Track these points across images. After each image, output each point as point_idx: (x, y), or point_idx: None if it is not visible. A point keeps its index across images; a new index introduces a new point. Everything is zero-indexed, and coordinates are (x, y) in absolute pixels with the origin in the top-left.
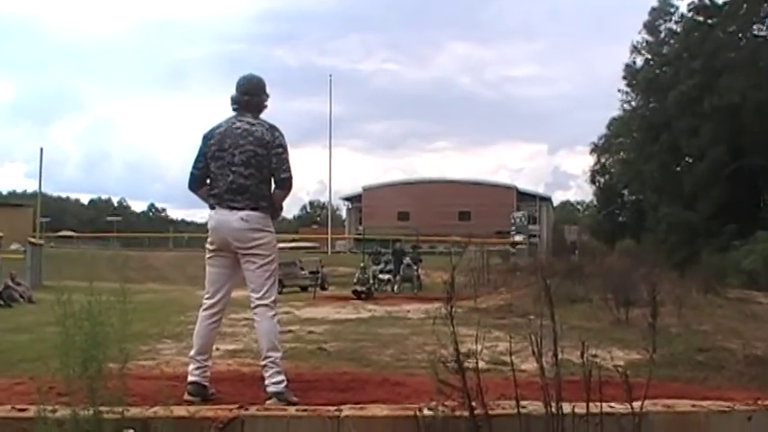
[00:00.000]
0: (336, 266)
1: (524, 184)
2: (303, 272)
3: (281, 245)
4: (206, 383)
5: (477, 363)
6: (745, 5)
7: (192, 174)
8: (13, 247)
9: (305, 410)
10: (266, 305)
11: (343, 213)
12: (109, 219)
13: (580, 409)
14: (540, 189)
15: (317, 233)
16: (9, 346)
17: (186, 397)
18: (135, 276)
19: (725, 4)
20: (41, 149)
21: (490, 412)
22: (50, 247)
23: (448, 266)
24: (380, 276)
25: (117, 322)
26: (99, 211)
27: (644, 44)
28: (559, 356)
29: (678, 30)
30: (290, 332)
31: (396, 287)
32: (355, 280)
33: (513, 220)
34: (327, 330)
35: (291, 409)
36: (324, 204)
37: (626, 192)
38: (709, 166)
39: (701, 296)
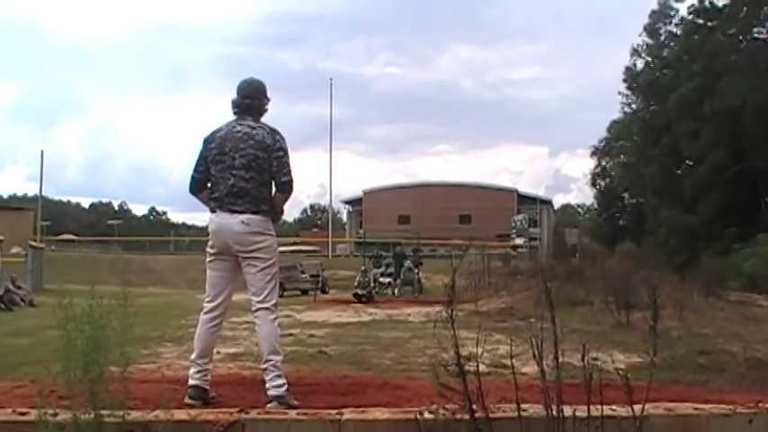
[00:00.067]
0: (337, 270)
1: (525, 187)
2: (304, 275)
3: (282, 248)
4: (207, 387)
5: (477, 366)
6: (745, 8)
7: (192, 177)
8: (14, 250)
9: (306, 414)
10: (267, 308)
11: (344, 217)
12: (110, 222)
13: (581, 412)
14: (540, 192)
15: (318, 236)
16: (10, 350)
17: (187, 400)
18: (136, 280)
19: (725, 6)
20: (42, 153)
21: (491, 415)
22: (51, 250)
23: (449, 270)
24: (381, 280)
25: (118, 326)
26: (100, 215)
27: (644, 47)
28: (560, 359)
29: (678, 32)
30: (291, 335)
31: (396, 290)
32: (356, 283)
33: (513, 224)
34: (328, 334)
35: (292, 413)
36: (324, 208)
37: (626, 195)
38: (710, 169)
39: (701, 299)
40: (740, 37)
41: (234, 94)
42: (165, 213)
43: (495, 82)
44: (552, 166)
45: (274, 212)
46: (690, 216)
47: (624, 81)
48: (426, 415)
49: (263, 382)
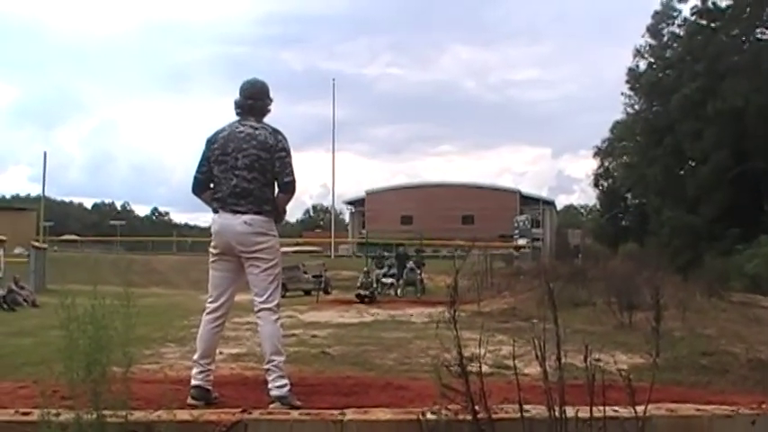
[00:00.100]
0: (340, 270)
1: (528, 188)
2: (306, 276)
3: (285, 249)
4: (209, 387)
5: (480, 367)
6: (748, 9)
7: (195, 178)
8: (17, 251)
9: (308, 414)
10: (269, 309)
11: (347, 217)
12: (112, 223)
13: (583, 413)
14: (543, 193)
15: (321, 237)
16: (13, 350)
17: (189, 401)
18: (138, 280)
19: (728, 7)
20: (45, 153)
21: (493, 416)
22: (54, 251)
23: (451, 270)
24: (384, 280)
25: (120, 326)
26: (102, 216)
27: (647, 48)
28: (563, 360)
29: (681, 33)
30: (294, 336)
31: (399, 291)
32: (358, 284)
33: (516, 224)
34: (331, 334)
35: (295, 413)
36: (327, 208)
37: (629, 195)
38: (713, 169)
39: (704, 300)
40: (743, 38)
41: (236, 95)
42: (167, 214)
43: (497, 83)
44: (555, 166)
45: (277, 213)
46: (693, 217)
47: (627, 82)
48: (429, 416)
49: (266, 382)
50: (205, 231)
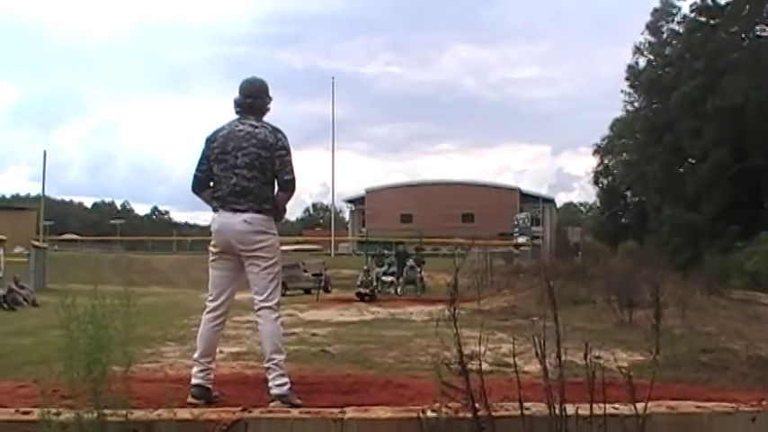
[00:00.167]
0: (340, 269)
1: (527, 186)
2: (306, 274)
3: (285, 247)
4: (209, 386)
5: (480, 364)
6: (747, 6)
7: (195, 176)
8: (17, 250)
9: (308, 413)
10: (270, 308)
11: (347, 216)
12: (112, 222)
13: (584, 410)
14: (543, 191)
15: (321, 235)
16: (13, 350)
17: (190, 399)
18: (138, 279)
19: (727, 4)
20: (45, 153)
21: (493, 414)
22: (54, 250)
23: (451, 268)
24: (384, 279)
25: (121, 325)
26: (102, 215)
27: (646, 45)
28: (563, 358)
29: (680, 30)
30: (294, 334)
31: (399, 289)
32: (358, 282)
33: (516, 222)
34: (331, 333)
35: (295, 412)
36: (327, 207)
37: (629, 193)
38: (712, 167)
39: (704, 297)
40: (743, 35)
41: (236, 94)
42: (167, 213)
43: (496, 81)
44: (554, 164)
45: (277, 211)
46: (692, 214)
47: (627, 79)
48: (429, 414)
49: (266, 380)
50: (205, 230)
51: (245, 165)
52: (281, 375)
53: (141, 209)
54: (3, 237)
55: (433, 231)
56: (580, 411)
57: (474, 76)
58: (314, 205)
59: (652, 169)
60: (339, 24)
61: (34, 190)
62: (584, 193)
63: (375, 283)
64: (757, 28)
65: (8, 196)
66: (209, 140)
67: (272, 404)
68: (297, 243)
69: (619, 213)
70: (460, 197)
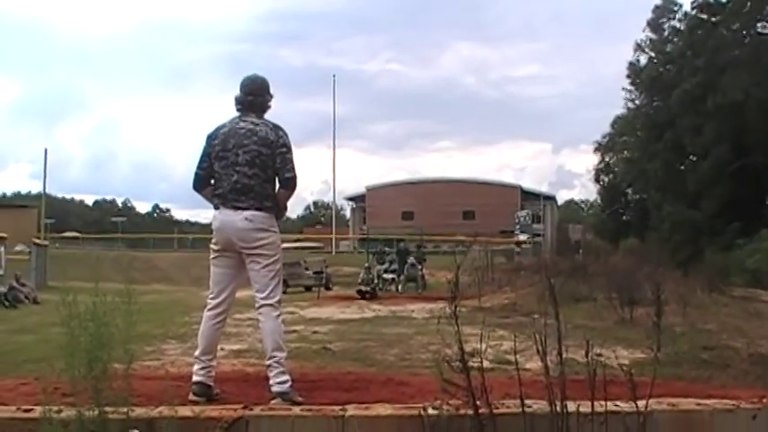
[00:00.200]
0: (341, 266)
1: (528, 184)
2: (307, 272)
3: (286, 245)
4: (211, 383)
5: (481, 362)
6: (749, 3)
7: (196, 174)
8: (18, 248)
9: (309, 410)
10: (271, 305)
11: (348, 213)
12: (113, 220)
13: (585, 408)
14: (544, 188)
15: (322, 233)
16: (14, 347)
17: (191, 397)
18: (139, 277)
19: (729, 1)
20: (46, 150)
21: (495, 411)
22: (55, 248)
23: (452, 266)
24: (385, 276)
25: (122, 323)
26: (103, 212)
27: (647, 42)
28: (564, 355)
29: (682, 28)
30: (295, 332)
31: (400, 287)
32: (359, 280)
33: (517, 220)
34: (332, 330)
35: (296, 409)
36: (328, 204)
37: (630, 190)
38: (713, 164)
39: (705, 295)
40: (744, 32)
41: (237, 91)
42: (168, 210)
43: (496, 79)
44: (555, 162)
45: (278, 209)
46: (693, 211)
47: (628, 76)
48: (430, 411)
49: (267, 378)
50: (206, 228)
51: (246, 162)
52: (283, 373)
53: (142, 206)
54: (4, 234)
55: (434, 229)
56: (581, 409)
57: (474, 73)
58: (315, 203)
59: (653, 167)
60: (340, 22)
61: (35, 188)
62: (585, 190)
63: (376, 281)
64: (758, 25)
65: (9, 194)
66: (210, 138)
67: (273, 402)
68: (298, 241)
69: (620, 211)
70: (461, 195)
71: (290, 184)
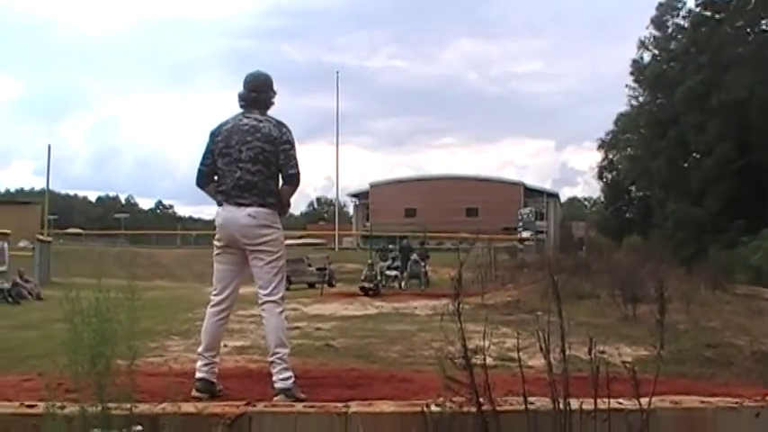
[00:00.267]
0: (344, 263)
1: (532, 181)
2: (311, 268)
3: (289, 241)
4: (214, 380)
5: (484, 359)
6: (753, 0)
7: (199, 170)
8: (22, 244)
9: (312, 407)
10: (274, 302)
11: (351, 210)
12: (117, 216)
13: (588, 405)
14: (547, 185)
15: (325, 230)
16: (18, 343)
17: (194, 393)
18: (143, 273)
19: None
20: (49, 147)
21: (498, 408)
22: (58, 244)
23: (455, 263)
24: (388, 273)
25: (125, 319)
26: (107, 209)
27: (651, 39)
28: (567, 353)
29: (686, 25)
30: (298, 329)
31: (403, 284)
32: (363, 276)
33: (520, 217)
34: (335, 327)
35: (299, 406)
36: (331, 201)
37: (633, 188)
38: (717, 161)
39: (708, 292)
40: (748, 29)
41: (240, 88)
42: (171, 207)
43: (499, 75)
44: (559, 159)
45: (281, 205)
46: (697, 209)
47: (631, 74)
48: (433, 408)
49: (270, 374)
50: (209, 224)
51: (250, 159)
52: (285, 369)
53: (145, 203)
54: (7, 231)
55: (437, 226)
56: (584, 406)
57: (477, 70)
58: (318, 199)
59: (656, 164)
60: (342, 18)
61: (38, 184)
62: (588, 187)
63: (379, 278)
64: (762, 22)
65: (13, 190)
66: (214, 134)
67: (276, 398)
68: (301, 237)
69: (623, 208)
70: (465, 191)
71: (293, 181)
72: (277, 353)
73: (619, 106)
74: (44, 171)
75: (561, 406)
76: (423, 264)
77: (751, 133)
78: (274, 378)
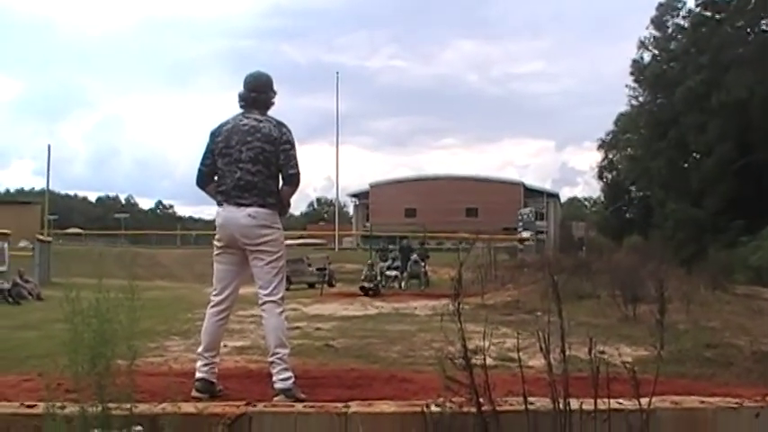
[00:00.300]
0: (344, 263)
1: (532, 181)
2: (311, 268)
3: (289, 241)
4: (214, 380)
5: (484, 359)
6: (753, 0)
7: (199, 171)
8: (22, 244)
9: (312, 407)
10: (274, 302)
11: (351, 210)
12: (117, 216)
13: (588, 405)
14: (547, 185)
15: (325, 230)
16: (18, 343)
17: (194, 393)
18: (143, 274)
19: None
20: (49, 147)
21: (498, 408)
22: (58, 244)
23: (455, 263)
24: (388, 273)
25: (125, 319)
26: (107, 209)
27: (651, 39)
28: (567, 353)
29: (686, 25)
30: (298, 329)
31: (403, 284)
32: (362, 276)
33: (520, 217)
34: (335, 327)
35: (299, 406)
36: (331, 201)
37: (633, 188)
38: (717, 162)
39: (708, 292)
40: (748, 29)
41: (240, 88)
42: (171, 207)
43: (499, 76)
44: (559, 159)
45: (281, 206)
46: (697, 209)
47: (631, 74)
48: (433, 408)
49: (270, 375)
50: (209, 224)
51: (250, 159)
52: (285, 369)
53: (145, 203)
54: (7, 231)
55: (437, 226)
56: (584, 406)
57: (477, 70)
58: (318, 199)
59: (657, 164)
60: (342, 18)
61: (38, 184)
62: (588, 187)
63: (379, 278)
64: (763, 22)
65: (12, 190)
66: (214, 135)
67: (275, 398)
68: (301, 237)
69: (623, 208)
70: (464, 192)
71: (293, 181)
72: (277, 353)
73: (619, 106)
74: (44, 171)
75: (561, 406)
76: (423, 264)
77: (751, 133)
78: (274, 378)
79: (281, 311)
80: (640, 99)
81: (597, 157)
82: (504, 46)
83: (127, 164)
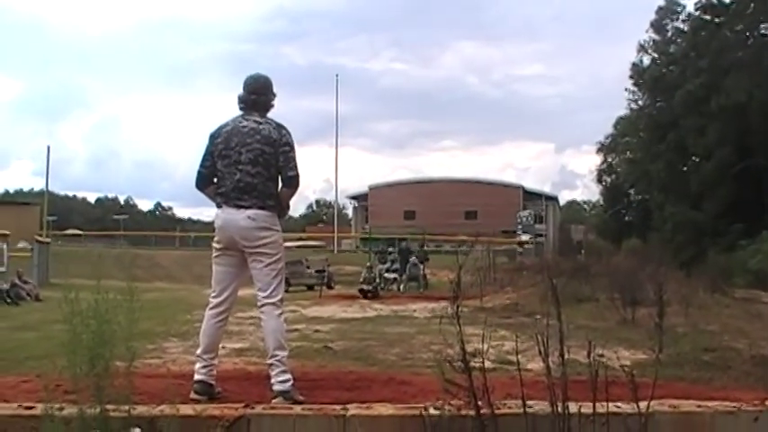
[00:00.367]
0: (343, 265)
1: (531, 184)
2: (309, 270)
3: (288, 243)
4: (212, 382)
5: (483, 362)
6: (752, 4)
7: (199, 172)
8: (21, 245)
9: (311, 409)
10: (273, 304)
11: (350, 212)
12: (116, 217)
13: (586, 408)
14: (546, 188)
15: (324, 232)
16: (16, 344)
17: (192, 395)
18: (142, 275)
19: (732, 2)
20: (48, 148)
21: (496, 411)
22: (57, 245)
23: (454, 265)
24: (387, 275)
25: (124, 320)
26: (106, 210)
27: (651, 43)
28: (566, 356)
29: (685, 29)
30: (297, 331)
31: (402, 286)
32: (361, 279)
33: (519, 220)
34: (333, 329)
35: (297, 408)
36: (330, 203)
37: (632, 191)
38: (716, 165)
39: (707, 296)
40: (747, 33)
41: (240, 90)
42: (170, 208)
43: (499, 79)
44: (558, 162)
45: (280, 208)
46: (696, 212)
47: (631, 77)
48: (431, 411)
49: (269, 377)
50: (208, 226)
51: (249, 161)
52: (284, 372)
53: (144, 204)
54: (6, 232)
55: (436, 228)
56: (583, 410)
57: (477, 73)
58: (317, 202)
59: (656, 167)
60: (344, 21)
61: (38, 185)
62: (587, 191)
63: (378, 280)
64: (762, 26)
65: (11, 191)
66: (213, 137)
67: (274, 400)
68: (300, 239)
69: (622, 211)
70: (464, 194)
71: (292, 183)
72: (276, 355)
73: (618, 110)
74: (43, 172)
75: (560, 409)
76: (421, 266)
77: (750, 137)
78: (273, 380)
79: (280, 313)
80: (640, 102)
81: (596, 160)
82: (503, 49)
83: (126, 165)
